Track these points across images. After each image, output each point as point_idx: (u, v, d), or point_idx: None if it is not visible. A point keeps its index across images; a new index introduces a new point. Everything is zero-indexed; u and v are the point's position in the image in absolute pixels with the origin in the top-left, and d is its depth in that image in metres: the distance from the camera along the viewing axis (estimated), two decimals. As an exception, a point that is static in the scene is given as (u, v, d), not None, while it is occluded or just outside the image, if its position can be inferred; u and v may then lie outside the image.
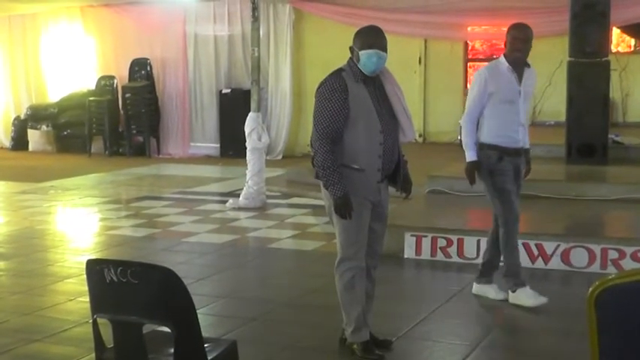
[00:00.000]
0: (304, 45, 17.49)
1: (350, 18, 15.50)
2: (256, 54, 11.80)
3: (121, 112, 18.18)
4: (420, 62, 16.86)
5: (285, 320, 6.53)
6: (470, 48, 17.28)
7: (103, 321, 3.77)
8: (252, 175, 11.60)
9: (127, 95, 17.95)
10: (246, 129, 11.61)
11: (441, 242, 8.20)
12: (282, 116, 17.32)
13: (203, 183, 14.16)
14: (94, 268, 3.68)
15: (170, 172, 15.83)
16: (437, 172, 10.83)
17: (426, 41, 16.84)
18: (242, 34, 17.17)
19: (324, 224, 9.54)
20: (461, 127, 6.74)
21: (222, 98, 17.48)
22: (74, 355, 5.63)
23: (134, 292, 3.57)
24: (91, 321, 3.83)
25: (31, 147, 19.40)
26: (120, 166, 16.20)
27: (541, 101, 15.17)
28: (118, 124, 18.28)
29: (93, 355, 3.97)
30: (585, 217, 9.05)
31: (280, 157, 17.03)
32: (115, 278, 3.57)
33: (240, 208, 11.39)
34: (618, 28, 15.35)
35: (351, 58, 5.37)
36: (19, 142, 19.51)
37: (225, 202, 11.78)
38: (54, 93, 19.45)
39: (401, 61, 14.56)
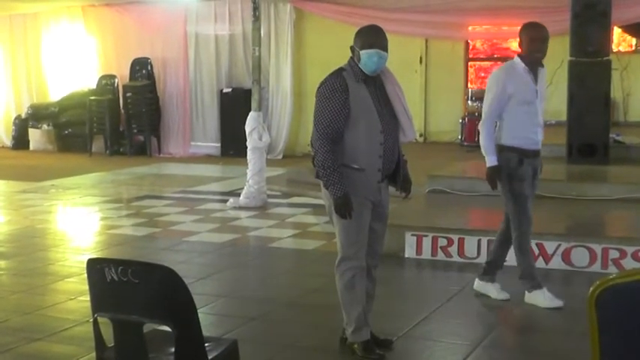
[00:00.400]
0: (305, 44, 17.50)
1: (351, 17, 15.50)
2: (257, 53, 11.80)
3: (122, 111, 18.19)
4: (420, 62, 16.86)
5: (285, 320, 6.53)
6: (471, 47, 17.27)
7: (103, 320, 3.78)
8: (252, 174, 11.60)
9: (128, 94, 17.96)
10: (247, 128, 11.61)
11: (442, 242, 8.20)
12: (282, 116, 17.32)
13: (204, 182, 14.17)
14: (95, 267, 3.68)
15: (171, 172, 15.83)
16: (437, 172, 10.83)
17: (426, 41, 16.84)
18: (243, 34, 17.18)
19: (325, 224, 9.54)
20: (478, 131, 6.63)
21: (223, 98, 17.48)
22: (75, 354, 5.64)
23: (135, 291, 3.57)
24: (91, 320, 3.83)
25: (31, 146, 19.41)
26: (121, 166, 16.21)
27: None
28: (119, 124, 18.29)
29: (93, 354, 3.97)
30: (586, 217, 9.04)
31: (281, 156, 17.03)
32: (115, 277, 3.57)
33: (240, 208, 11.39)
34: (619, 27, 15.34)
35: (351, 57, 5.36)
36: (20, 141, 19.52)
37: (225, 201, 11.78)
38: (55, 92, 19.46)
39: (402, 61, 14.55)
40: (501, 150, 6.46)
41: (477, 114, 16.06)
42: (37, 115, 19.20)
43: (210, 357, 3.76)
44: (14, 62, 20.05)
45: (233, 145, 16.60)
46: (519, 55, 6.48)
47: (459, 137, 16.20)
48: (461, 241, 8.14)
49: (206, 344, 3.74)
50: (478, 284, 6.94)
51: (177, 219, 10.78)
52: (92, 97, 18.21)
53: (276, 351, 5.77)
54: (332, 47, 14.37)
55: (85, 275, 3.76)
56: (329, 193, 5.27)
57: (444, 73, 16.77)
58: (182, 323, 3.58)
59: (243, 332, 6.03)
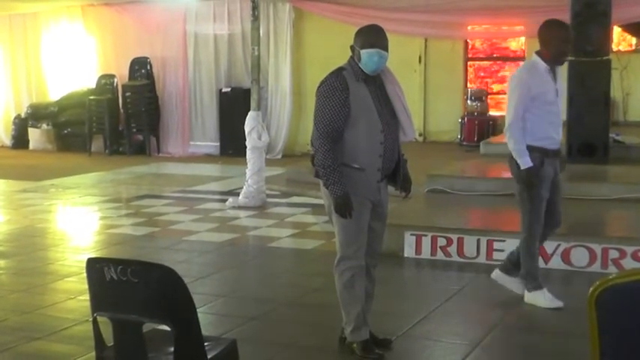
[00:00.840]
0: (304, 44, 17.50)
1: (350, 17, 15.50)
2: (256, 53, 11.79)
3: (121, 110, 18.20)
4: (420, 61, 16.87)
5: (284, 319, 6.53)
6: (470, 47, 17.27)
7: (103, 319, 3.77)
8: (251, 173, 11.60)
9: (127, 94, 17.97)
10: (246, 128, 11.61)
11: (441, 241, 8.19)
12: (281, 115, 17.33)
13: (203, 182, 14.17)
14: (94, 266, 3.68)
15: (170, 171, 15.84)
16: (437, 171, 10.83)
17: (426, 40, 16.85)
18: (242, 33, 17.19)
19: (324, 223, 9.53)
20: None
21: (222, 97, 17.49)
22: (74, 354, 5.64)
23: (134, 290, 3.57)
24: (91, 319, 3.83)
25: (31, 145, 19.43)
26: (120, 165, 16.21)
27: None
28: (118, 123, 18.29)
29: (93, 353, 3.97)
30: (586, 217, 9.03)
31: (280, 156, 17.04)
32: (115, 277, 3.56)
33: (239, 207, 11.39)
34: (619, 27, 15.33)
35: (351, 57, 5.35)
36: (20, 140, 19.54)
37: (225, 200, 11.78)
38: (54, 92, 19.48)
39: (401, 61, 14.54)
40: None
41: (475, 113, 16.10)
42: (37, 114, 19.22)
43: (209, 356, 3.75)
44: (14, 62, 20.07)
45: (232, 145, 16.59)
46: (538, 54, 6.40)
47: (459, 137, 16.20)
48: (460, 241, 8.13)
49: (205, 344, 3.74)
50: (499, 276, 6.80)
51: (177, 218, 10.77)
52: (91, 97, 18.22)
53: (276, 350, 5.77)
54: (331, 47, 14.41)
55: (85, 274, 3.75)
56: (329, 193, 5.26)
57: (443, 72, 16.77)
58: (181, 323, 3.58)
59: (242, 332, 6.03)
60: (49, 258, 8.71)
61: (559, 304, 6.55)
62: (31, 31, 19.69)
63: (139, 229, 10.09)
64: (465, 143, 15.75)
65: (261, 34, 12.49)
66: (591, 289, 2.57)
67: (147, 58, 18.09)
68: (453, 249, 8.15)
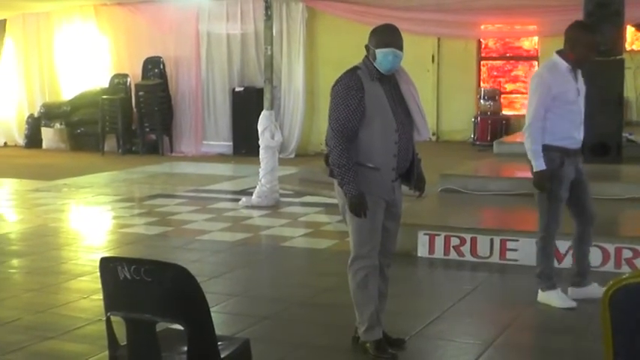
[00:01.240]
0: (317, 43, 17.50)
1: (363, 16, 15.49)
2: (269, 52, 11.80)
3: (134, 110, 18.24)
4: (433, 61, 16.83)
5: (297, 319, 6.53)
6: (483, 46, 17.24)
7: (116, 319, 3.78)
8: (264, 173, 11.60)
9: (140, 93, 18.00)
10: (259, 127, 11.62)
11: (454, 241, 8.18)
12: (294, 114, 17.34)
13: (216, 181, 14.19)
14: (108, 265, 3.69)
15: (183, 171, 15.87)
16: (450, 171, 10.81)
17: (439, 40, 16.82)
18: (255, 33, 17.21)
19: (337, 222, 9.54)
20: (525, 134, 6.45)
21: (235, 96, 17.51)
22: (87, 353, 5.65)
23: (147, 290, 3.58)
24: (104, 319, 3.84)
25: (44, 145, 19.49)
26: (133, 164, 16.24)
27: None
28: (131, 123, 18.32)
29: (106, 352, 3.98)
30: (599, 217, 8.95)
31: (293, 155, 17.03)
32: (128, 276, 3.57)
33: (252, 207, 11.40)
34: (632, 26, 15.26)
35: (366, 56, 5.35)
36: (33, 140, 19.59)
37: (238, 200, 11.79)
38: (67, 91, 19.52)
39: (414, 60, 14.47)
40: (545, 150, 6.33)
41: (488, 113, 16.08)
42: (50, 114, 19.26)
43: (222, 356, 3.76)
44: (27, 61, 20.12)
45: (245, 144, 16.59)
46: (560, 53, 6.37)
47: (472, 136, 16.17)
48: (473, 241, 8.12)
49: (218, 343, 3.75)
50: (575, 293, 6.73)
51: (190, 218, 10.79)
52: (104, 96, 18.25)
53: (288, 350, 5.77)
54: (344, 46, 14.43)
55: (98, 274, 3.76)
56: (343, 192, 5.26)
57: (456, 72, 16.73)
58: (195, 322, 3.58)
59: (255, 331, 6.03)
60: (63, 257, 8.74)
61: (572, 304, 6.54)
62: (44, 30, 19.74)
63: (151, 229, 10.12)
64: (478, 143, 15.72)
65: (274, 34, 12.49)
66: (605, 288, 2.56)
67: (160, 57, 18.13)
68: (466, 248, 8.14)
